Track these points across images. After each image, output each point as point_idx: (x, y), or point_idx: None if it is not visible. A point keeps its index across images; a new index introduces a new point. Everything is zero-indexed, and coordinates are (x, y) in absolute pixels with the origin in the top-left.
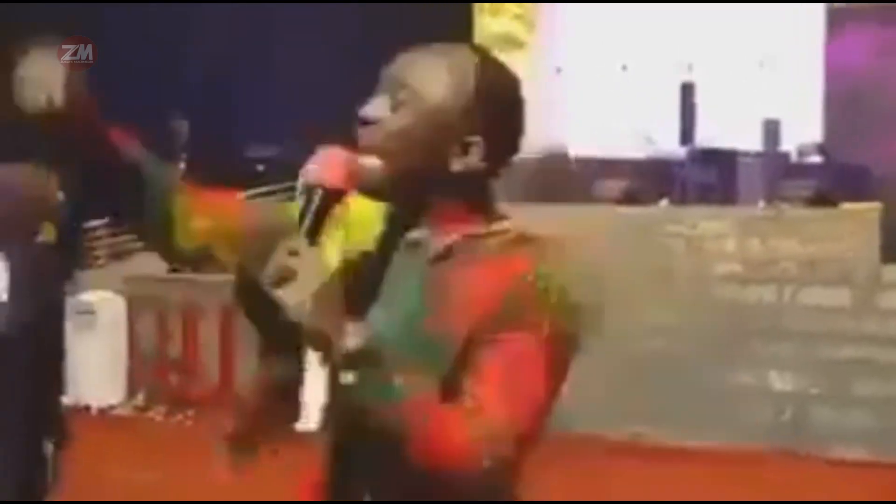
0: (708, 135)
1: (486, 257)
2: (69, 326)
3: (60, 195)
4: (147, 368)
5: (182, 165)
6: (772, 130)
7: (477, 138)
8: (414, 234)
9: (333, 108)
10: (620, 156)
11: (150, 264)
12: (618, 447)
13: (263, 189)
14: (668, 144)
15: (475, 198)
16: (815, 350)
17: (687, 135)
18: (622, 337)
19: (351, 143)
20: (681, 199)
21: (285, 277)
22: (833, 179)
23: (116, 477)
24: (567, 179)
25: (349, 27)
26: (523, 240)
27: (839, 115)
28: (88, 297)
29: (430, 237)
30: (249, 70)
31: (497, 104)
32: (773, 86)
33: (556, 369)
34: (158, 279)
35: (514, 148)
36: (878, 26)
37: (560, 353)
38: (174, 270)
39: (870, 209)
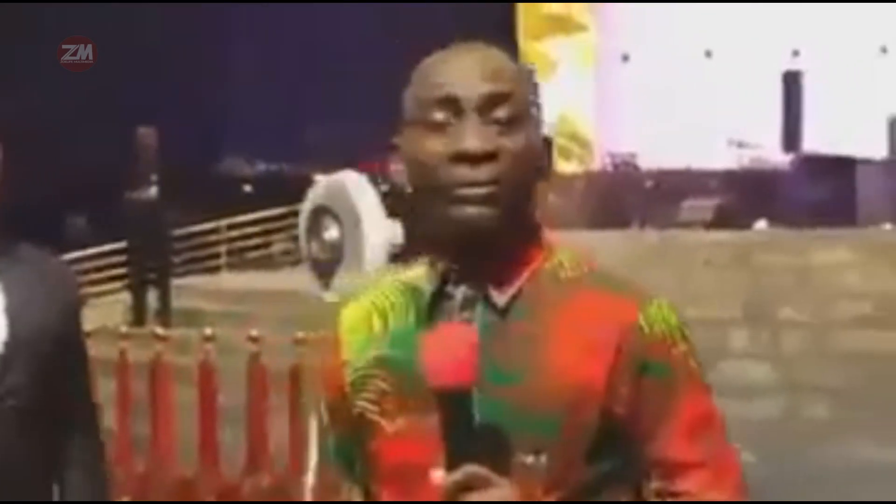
0: (818, 138)
1: (568, 299)
2: None
3: None
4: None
5: (153, 187)
6: None
7: (546, 135)
8: (464, 290)
9: (337, 116)
10: (706, 166)
11: (111, 313)
12: None
13: (251, 217)
14: (768, 150)
15: (534, 222)
16: None
17: (791, 138)
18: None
19: (355, 157)
20: (784, 220)
21: None
22: None
23: None
24: (639, 197)
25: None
26: (595, 272)
27: None
28: None
29: (488, 285)
30: (234, 74)
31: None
32: None
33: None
34: (119, 334)
35: None
36: None
37: (700, 373)
38: (138, 323)
39: None
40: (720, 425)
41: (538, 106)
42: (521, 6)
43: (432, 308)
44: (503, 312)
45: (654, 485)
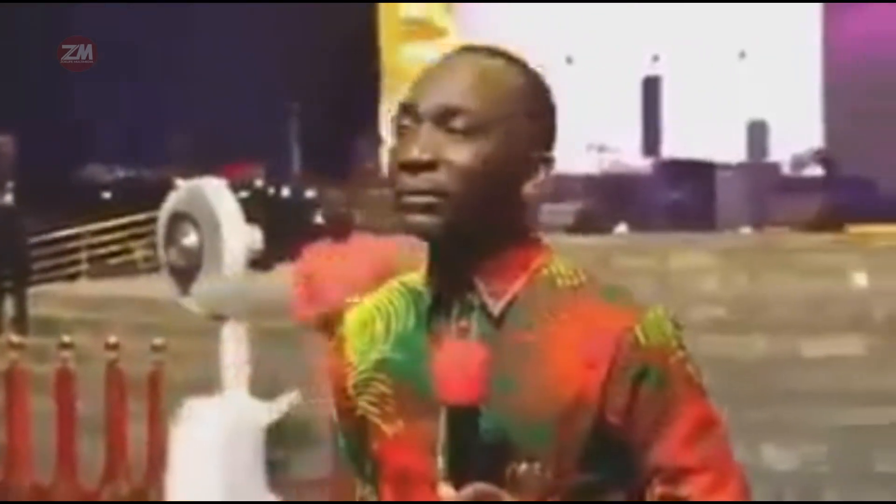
0: (678, 142)
1: (565, 308)
2: None
3: None
4: None
5: (8, 194)
6: (758, 135)
7: (546, 154)
8: (459, 298)
9: (196, 120)
10: (567, 171)
11: None
12: None
13: (111, 223)
14: (628, 155)
15: (527, 231)
16: (823, 415)
17: (651, 143)
18: None
19: (215, 162)
20: (644, 225)
21: None
22: (839, 196)
23: None
24: None
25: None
26: (593, 281)
27: (844, 115)
28: None
29: (483, 293)
30: (93, 78)
31: (549, 109)
32: (758, 79)
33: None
34: None
35: None
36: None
37: (698, 379)
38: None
39: (887, 233)
40: (721, 430)
41: (530, 122)
42: (381, 11)
43: (432, 313)
44: (499, 320)
45: (658, 490)
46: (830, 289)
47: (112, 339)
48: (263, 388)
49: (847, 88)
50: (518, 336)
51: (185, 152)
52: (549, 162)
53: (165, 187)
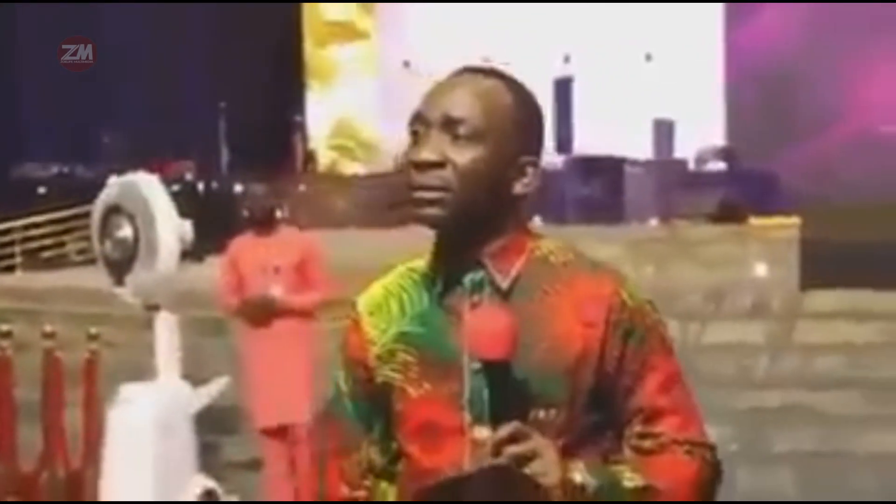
0: (588, 140)
1: (560, 280)
2: None
3: None
4: None
5: None
6: (664, 133)
7: (533, 158)
8: (471, 277)
9: (130, 117)
10: None
11: None
12: None
13: (46, 217)
14: (542, 152)
15: (522, 220)
16: (726, 398)
17: (563, 140)
18: None
19: (148, 158)
20: (557, 218)
21: None
22: (740, 190)
23: None
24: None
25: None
26: (580, 256)
27: (745, 114)
28: None
29: (492, 271)
30: (27, 74)
31: (536, 121)
32: (664, 80)
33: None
34: None
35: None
36: (791, 5)
37: (668, 339)
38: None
39: (785, 225)
40: (685, 382)
41: (519, 132)
42: (305, 13)
43: (444, 291)
44: (506, 294)
45: (636, 429)
46: (732, 278)
47: (49, 328)
48: (194, 373)
49: (747, 87)
50: (524, 307)
51: (119, 150)
52: (535, 165)
53: (100, 183)
